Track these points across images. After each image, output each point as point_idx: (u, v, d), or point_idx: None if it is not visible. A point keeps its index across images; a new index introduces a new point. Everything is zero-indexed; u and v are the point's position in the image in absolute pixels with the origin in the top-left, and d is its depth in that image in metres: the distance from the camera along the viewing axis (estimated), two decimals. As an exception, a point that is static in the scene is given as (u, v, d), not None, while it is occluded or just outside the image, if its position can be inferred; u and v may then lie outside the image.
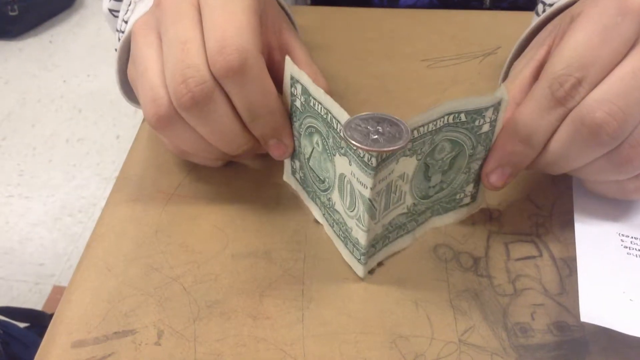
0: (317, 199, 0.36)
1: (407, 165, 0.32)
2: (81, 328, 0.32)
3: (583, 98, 0.30)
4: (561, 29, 0.34)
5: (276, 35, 0.38)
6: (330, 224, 0.36)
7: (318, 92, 0.31)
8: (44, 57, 1.94)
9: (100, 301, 0.33)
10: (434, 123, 0.31)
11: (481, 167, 0.34)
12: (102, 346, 0.31)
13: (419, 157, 0.32)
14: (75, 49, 1.97)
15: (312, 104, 0.32)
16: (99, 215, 0.38)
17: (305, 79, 0.32)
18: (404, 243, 0.35)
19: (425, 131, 0.30)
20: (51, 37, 2.02)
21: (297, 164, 0.37)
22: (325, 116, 0.32)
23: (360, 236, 0.32)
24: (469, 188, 0.35)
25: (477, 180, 0.35)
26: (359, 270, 0.34)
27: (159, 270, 0.34)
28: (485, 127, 0.32)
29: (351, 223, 0.33)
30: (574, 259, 0.34)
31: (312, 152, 0.35)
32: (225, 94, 0.33)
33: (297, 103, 0.34)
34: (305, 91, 0.33)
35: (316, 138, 0.34)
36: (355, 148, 0.29)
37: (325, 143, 0.33)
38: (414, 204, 0.34)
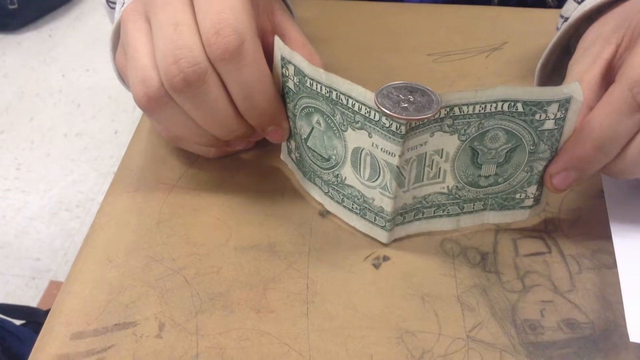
0: (316, 179, 0.36)
1: (447, 143, 0.31)
2: (80, 319, 0.31)
3: None
4: (631, 27, 0.33)
5: (269, 17, 0.37)
6: (338, 201, 0.35)
7: (317, 72, 0.31)
8: (43, 51, 1.93)
9: (100, 292, 0.32)
10: (482, 106, 0.30)
11: (545, 168, 0.33)
12: (102, 338, 0.30)
13: (462, 138, 0.31)
14: (75, 43, 1.96)
15: (308, 84, 0.32)
16: (96, 210, 0.37)
17: (298, 59, 0.32)
18: (444, 225, 0.35)
19: (471, 112, 0.30)
20: (50, 31, 2.01)
21: (293, 144, 0.37)
22: (327, 95, 0.31)
23: (386, 203, 0.32)
24: (532, 189, 0.34)
25: (541, 182, 0.34)
26: (383, 237, 0.34)
27: (160, 261, 0.34)
28: (549, 124, 0.31)
29: (372, 193, 0.33)
30: (584, 256, 0.34)
31: (311, 132, 0.34)
32: (219, 78, 0.32)
33: (290, 84, 0.33)
34: (298, 72, 0.32)
35: (316, 117, 0.33)
36: (382, 115, 0.29)
37: (329, 121, 0.32)
38: (457, 187, 0.33)
